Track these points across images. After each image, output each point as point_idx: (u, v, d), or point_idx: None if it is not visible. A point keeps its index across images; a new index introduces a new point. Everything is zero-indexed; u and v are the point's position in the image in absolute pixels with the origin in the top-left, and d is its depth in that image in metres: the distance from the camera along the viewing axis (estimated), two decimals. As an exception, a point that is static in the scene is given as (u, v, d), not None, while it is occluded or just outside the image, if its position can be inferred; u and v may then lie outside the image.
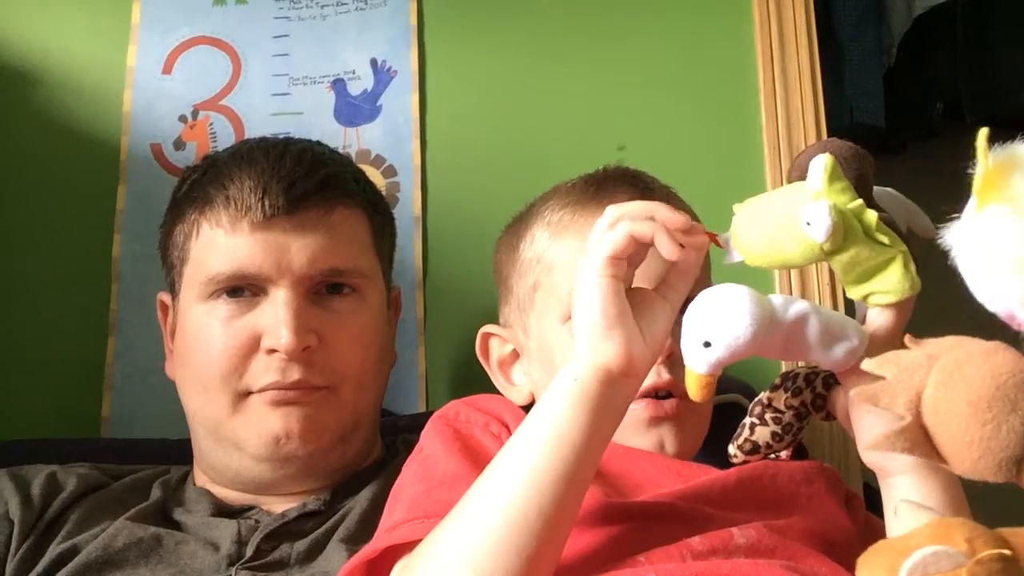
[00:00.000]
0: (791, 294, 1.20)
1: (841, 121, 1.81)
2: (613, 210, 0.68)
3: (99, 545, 0.83)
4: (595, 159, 0.94)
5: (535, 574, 0.61)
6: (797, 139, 1.27)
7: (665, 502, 0.72)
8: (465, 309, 1.18)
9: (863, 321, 0.68)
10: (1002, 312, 0.54)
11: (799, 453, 0.80)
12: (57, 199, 1.24)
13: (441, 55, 1.31)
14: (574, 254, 0.81)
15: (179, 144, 1.26)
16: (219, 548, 0.84)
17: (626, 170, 0.90)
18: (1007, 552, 0.44)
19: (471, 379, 1.01)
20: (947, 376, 0.51)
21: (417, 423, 0.87)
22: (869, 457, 0.67)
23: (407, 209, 1.24)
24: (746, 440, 0.76)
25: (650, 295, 0.69)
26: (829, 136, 1.24)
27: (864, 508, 0.84)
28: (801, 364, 0.75)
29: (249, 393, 0.88)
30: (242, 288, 0.89)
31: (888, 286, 0.65)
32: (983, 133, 0.53)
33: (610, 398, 0.65)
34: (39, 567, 0.83)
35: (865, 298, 0.67)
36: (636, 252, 0.67)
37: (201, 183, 0.93)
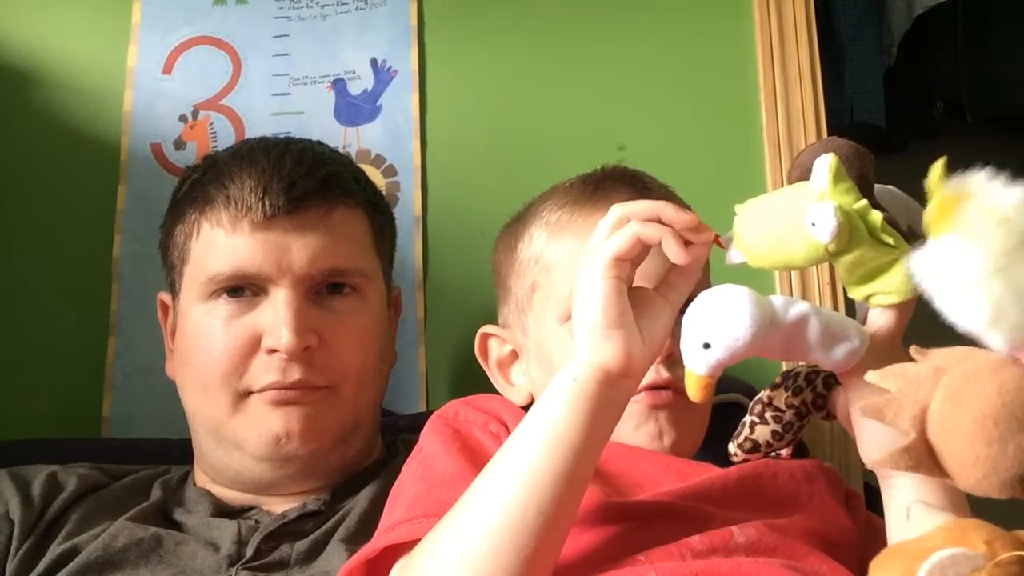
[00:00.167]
0: (791, 295, 1.20)
1: (841, 120, 1.81)
2: (618, 209, 0.68)
3: (99, 545, 0.83)
4: (595, 159, 0.94)
5: (534, 573, 0.61)
6: (797, 138, 1.27)
7: (665, 501, 0.72)
8: (465, 309, 1.18)
9: (864, 322, 0.68)
10: (971, 333, 0.54)
11: (799, 451, 0.80)
12: (57, 199, 1.24)
13: (441, 55, 1.31)
14: (572, 254, 0.81)
15: (179, 144, 1.26)
16: (219, 548, 0.84)
17: (624, 170, 0.90)
18: None
19: (471, 379, 1.01)
20: (954, 392, 0.50)
21: (417, 423, 0.87)
22: (870, 457, 0.67)
23: (407, 209, 1.24)
24: (746, 439, 0.76)
25: (650, 295, 0.69)
26: (829, 135, 1.24)
27: (864, 507, 0.84)
28: (802, 363, 0.75)
29: (249, 393, 0.88)
30: (242, 288, 0.89)
31: (891, 287, 0.65)
32: (939, 164, 0.56)
33: (609, 398, 0.65)
34: (39, 567, 0.83)
35: (867, 299, 0.67)
36: (641, 253, 0.67)
37: (201, 183, 0.93)
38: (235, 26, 1.30)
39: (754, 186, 1.26)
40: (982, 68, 2.11)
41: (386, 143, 1.27)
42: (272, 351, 0.87)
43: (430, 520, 0.67)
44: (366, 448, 0.96)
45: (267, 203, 0.88)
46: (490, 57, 1.31)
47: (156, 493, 0.92)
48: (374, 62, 1.30)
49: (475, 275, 1.16)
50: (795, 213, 0.64)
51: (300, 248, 0.89)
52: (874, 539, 0.74)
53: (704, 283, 0.76)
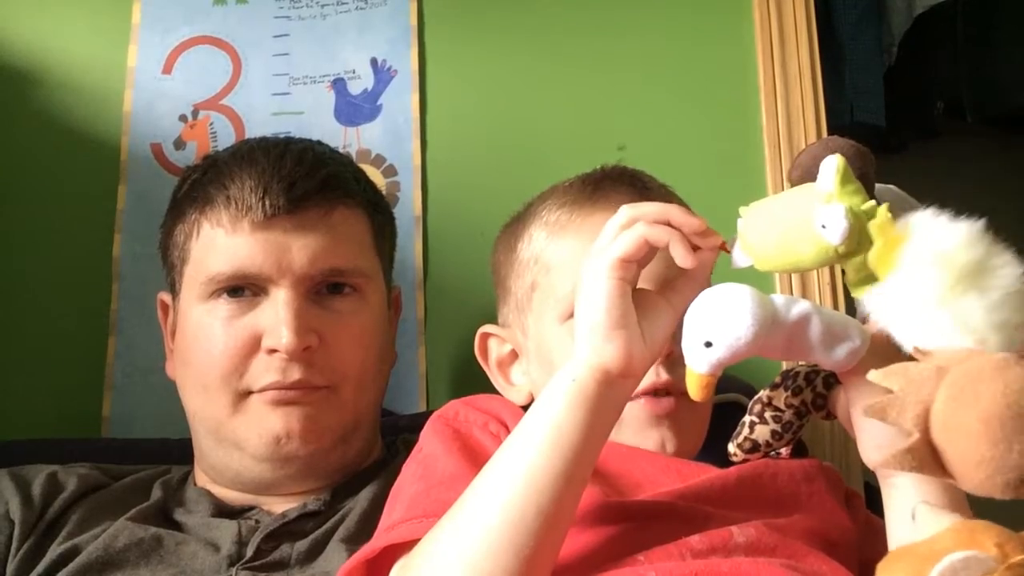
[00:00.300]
0: (792, 294, 1.20)
1: (841, 120, 1.81)
2: (628, 210, 0.68)
3: (100, 545, 0.83)
4: (595, 158, 0.94)
5: (533, 573, 0.61)
6: (798, 138, 1.27)
7: (664, 501, 0.72)
8: (465, 309, 1.18)
9: (865, 321, 0.68)
10: None
11: (799, 450, 0.80)
12: (57, 199, 1.24)
13: (441, 55, 1.31)
14: (572, 254, 0.81)
15: (179, 144, 1.26)
16: (219, 548, 0.84)
17: (624, 169, 0.90)
18: None
19: (471, 379, 1.01)
20: (957, 391, 0.50)
21: (417, 423, 0.87)
22: (870, 457, 0.67)
23: (407, 209, 1.24)
24: (746, 438, 0.76)
25: (654, 297, 0.69)
26: (829, 135, 1.24)
27: (864, 507, 0.84)
28: (801, 363, 0.75)
29: (250, 393, 0.88)
30: (243, 288, 0.89)
31: None
32: (884, 210, 0.61)
33: (608, 398, 0.65)
34: (40, 567, 0.83)
35: (871, 299, 0.67)
36: (648, 255, 0.67)
37: (202, 183, 0.93)
38: (235, 26, 1.30)
39: (754, 186, 1.26)
40: (982, 68, 2.11)
41: (386, 143, 1.27)
42: (272, 351, 0.87)
43: (430, 520, 0.67)
44: (366, 448, 0.96)
45: (267, 203, 0.88)
46: (490, 57, 1.31)
47: (156, 493, 0.92)
48: (374, 62, 1.30)
49: (475, 275, 1.16)
50: (802, 215, 0.64)
51: (300, 248, 0.89)
52: (874, 539, 0.74)
53: (706, 284, 0.76)
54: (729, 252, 0.70)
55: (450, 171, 1.27)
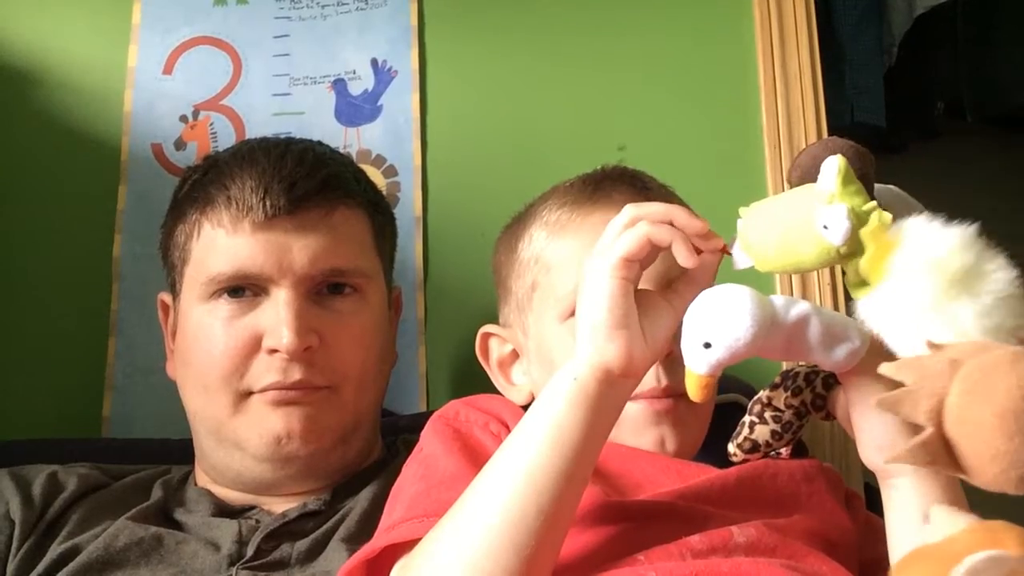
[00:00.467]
0: (793, 295, 1.20)
1: (842, 120, 1.81)
2: (631, 210, 0.68)
3: (100, 545, 0.83)
4: (595, 159, 0.94)
5: (534, 572, 0.61)
6: (798, 138, 1.27)
7: (664, 501, 0.72)
8: (466, 309, 1.18)
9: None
10: None
11: (799, 451, 0.80)
12: (58, 199, 1.24)
13: (441, 55, 1.31)
14: (572, 253, 0.81)
15: (180, 144, 1.26)
16: (220, 548, 0.84)
17: (624, 170, 0.90)
18: None
19: (472, 379, 1.01)
20: (971, 385, 0.50)
21: (417, 423, 0.87)
22: (869, 458, 0.67)
23: (408, 209, 1.24)
24: (746, 439, 0.76)
25: (655, 298, 0.69)
26: (830, 135, 1.24)
27: (864, 508, 0.84)
28: (801, 363, 0.75)
29: (250, 393, 0.88)
30: (243, 288, 0.89)
31: None
32: (875, 217, 0.61)
33: (609, 397, 0.65)
34: (40, 567, 0.83)
35: (870, 300, 0.67)
36: (650, 255, 0.67)
37: (202, 183, 0.93)
38: (236, 26, 1.30)
39: (754, 186, 1.26)
40: (982, 68, 2.12)
41: (386, 143, 1.27)
42: (273, 351, 0.87)
43: (430, 520, 0.67)
44: (366, 448, 0.96)
45: (268, 203, 0.88)
46: (490, 57, 1.31)
47: (157, 493, 0.92)
48: (374, 62, 1.30)
49: (475, 275, 1.16)
50: (803, 216, 0.64)
51: (301, 248, 0.89)
52: (874, 540, 0.74)
53: (707, 284, 0.76)
54: (731, 255, 0.70)
55: (450, 171, 1.27)
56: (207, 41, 1.30)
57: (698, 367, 0.64)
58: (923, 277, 0.58)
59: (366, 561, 0.71)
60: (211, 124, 1.27)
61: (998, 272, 0.58)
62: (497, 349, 0.91)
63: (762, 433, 0.75)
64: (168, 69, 1.29)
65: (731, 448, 0.77)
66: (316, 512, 0.89)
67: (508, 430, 0.78)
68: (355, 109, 1.28)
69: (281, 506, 0.90)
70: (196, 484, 0.95)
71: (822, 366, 0.67)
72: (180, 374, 0.95)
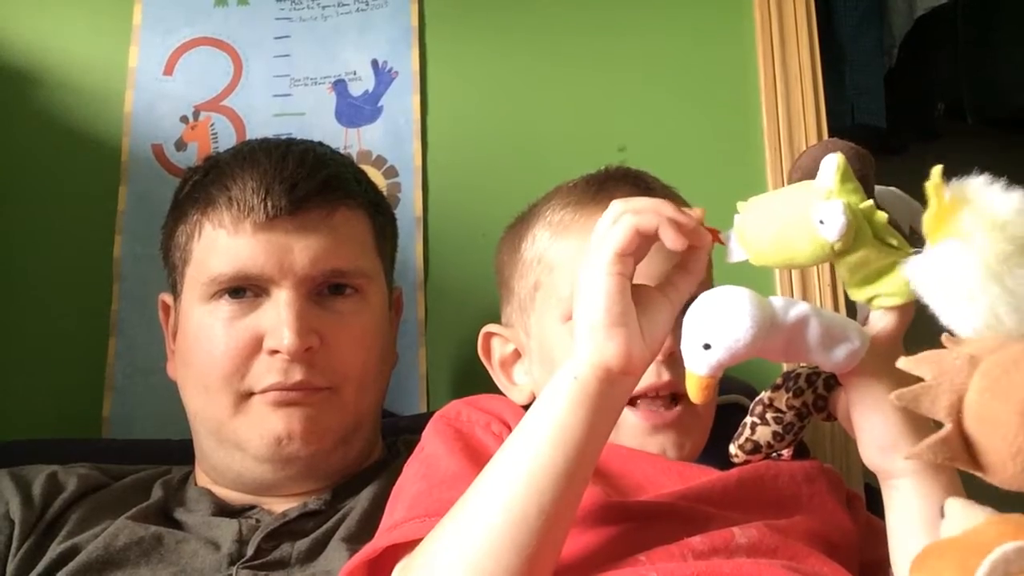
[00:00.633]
0: (792, 296, 1.20)
1: (842, 122, 1.81)
2: (617, 205, 0.68)
3: (100, 544, 0.83)
4: (596, 159, 0.94)
5: (535, 572, 0.61)
6: (798, 140, 1.27)
7: (666, 502, 0.72)
8: (466, 310, 1.19)
9: (865, 323, 0.68)
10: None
11: (800, 452, 0.80)
12: (58, 199, 1.24)
13: (442, 56, 1.31)
14: (575, 254, 0.81)
15: (180, 145, 1.26)
16: (220, 547, 0.84)
17: (628, 170, 0.90)
18: None
19: (472, 380, 1.01)
20: (992, 381, 0.49)
21: (418, 424, 0.87)
22: (871, 458, 0.67)
23: (408, 210, 1.24)
24: (747, 440, 0.76)
25: (651, 292, 0.68)
26: (830, 137, 1.24)
27: (865, 509, 0.84)
28: (802, 364, 0.75)
29: (251, 394, 0.88)
30: (244, 289, 0.89)
31: (893, 288, 0.64)
32: (937, 171, 0.57)
33: (609, 396, 0.65)
34: (39, 567, 0.83)
35: (870, 300, 0.66)
36: (641, 247, 0.67)
37: (203, 184, 0.93)
38: (236, 27, 1.30)
39: (754, 188, 1.25)
40: (983, 69, 2.11)
41: (387, 144, 1.27)
42: (274, 352, 0.87)
43: (432, 520, 0.67)
44: (367, 449, 0.96)
45: (269, 204, 0.88)
46: (491, 57, 1.31)
47: (157, 493, 0.92)
48: (375, 63, 1.30)
49: (476, 276, 1.16)
50: (800, 211, 0.64)
51: (302, 249, 0.89)
52: (875, 541, 0.74)
53: (708, 284, 0.76)
54: (723, 243, 0.70)
55: (451, 172, 1.27)
56: (208, 42, 1.30)
57: (698, 368, 0.64)
58: (986, 240, 0.55)
59: (367, 561, 0.71)
60: (212, 125, 1.27)
61: None
62: (499, 349, 0.91)
63: (763, 434, 0.75)
64: (169, 70, 1.29)
65: (732, 449, 0.77)
66: (316, 512, 0.89)
67: (509, 430, 0.78)
68: (356, 110, 1.28)
69: (281, 506, 0.90)
70: (196, 484, 0.95)
71: (822, 367, 0.67)
72: (181, 375, 0.95)
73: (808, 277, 1.23)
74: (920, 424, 0.63)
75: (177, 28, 1.30)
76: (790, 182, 0.69)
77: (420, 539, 0.66)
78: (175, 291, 0.97)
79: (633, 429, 0.77)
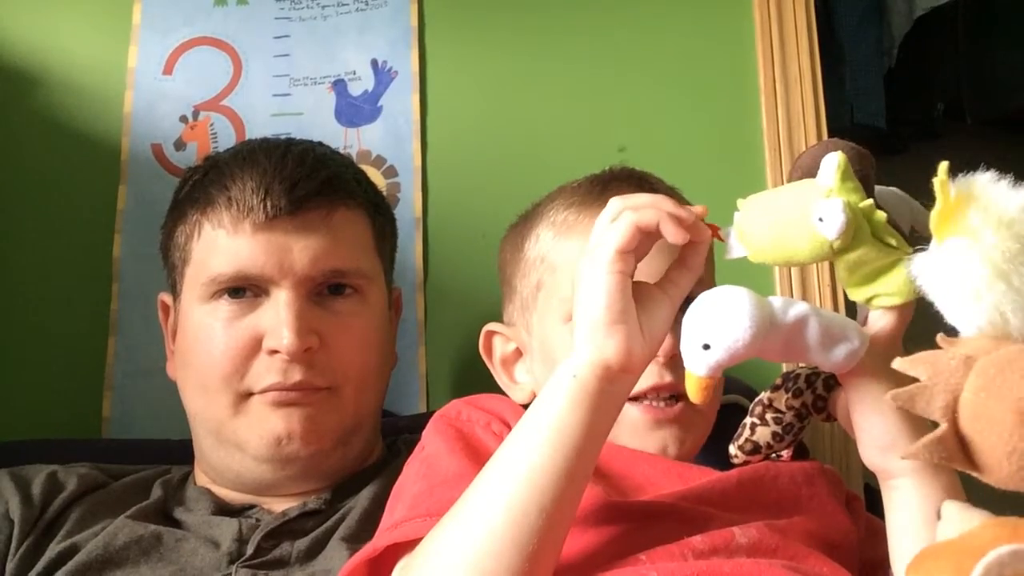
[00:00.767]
0: (792, 295, 1.20)
1: (842, 122, 1.81)
2: (616, 202, 0.68)
3: (99, 543, 0.83)
4: (596, 159, 0.94)
5: (536, 571, 0.61)
6: (798, 140, 1.27)
7: (666, 502, 0.72)
8: (466, 310, 1.19)
9: (864, 323, 0.68)
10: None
11: (800, 453, 0.80)
12: (58, 199, 1.24)
13: (442, 56, 1.31)
14: (578, 254, 0.80)
15: (180, 145, 1.26)
16: (219, 546, 0.84)
17: (631, 170, 0.90)
18: None
19: (472, 379, 1.01)
20: (987, 381, 0.49)
21: (418, 424, 0.87)
22: (870, 458, 0.67)
23: (408, 210, 1.24)
24: (747, 440, 0.76)
25: (651, 289, 0.68)
26: (830, 137, 1.24)
27: (865, 509, 0.84)
28: (802, 365, 0.75)
29: (251, 394, 0.88)
30: (244, 289, 0.89)
31: (893, 288, 0.64)
32: (943, 167, 0.56)
33: (609, 394, 0.65)
34: (39, 566, 0.83)
35: (868, 300, 0.66)
36: (641, 244, 0.67)
37: (203, 184, 0.93)
38: (236, 27, 1.30)
39: (754, 188, 1.22)
40: (982, 69, 2.12)
41: (387, 144, 1.27)
42: (273, 352, 0.87)
43: (432, 519, 0.67)
44: (367, 449, 0.96)
45: (269, 204, 0.88)
46: (490, 57, 1.31)
47: (156, 492, 0.92)
48: (375, 63, 1.30)
49: (476, 276, 1.16)
50: (800, 208, 0.64)
51: (301, 249, 0.89)
52: (874, 541, 0.74)
53: (709, 283, 0.76)
54: (722, 240, 0.70)
55: (451, 172, 1.27)
56: (207, 41, 1.30)
57: (698, 369, 0.64)
58: (992, 238, 0.55)
59: (368, 560, 0.71)
60: (211, 124, 1.27)
61: None
62: (500, 347, 0.91)
63: (763, 435, 0.75)
64: (168, 69, 1.29)
65: (732, 450, 0.77)
66: (316, 511, 0.89)
67: (510, 429, 0.77)
68: (355, 110, 1.28)
69: (281, 505, 0.90)
70: (196, 484, 0.95)
71: (821, 367, 0.67)
72: (180, 375, 0.95)
73: (808, 277, 1.23)
74: (920, 424, 0.63)
75: (176, 28, 1.30)
76: (790, 181, 0.69)
77: (421, 538, 0.66)
78: (174, 291, 0.97)
79: (634, 424, 0.77)
